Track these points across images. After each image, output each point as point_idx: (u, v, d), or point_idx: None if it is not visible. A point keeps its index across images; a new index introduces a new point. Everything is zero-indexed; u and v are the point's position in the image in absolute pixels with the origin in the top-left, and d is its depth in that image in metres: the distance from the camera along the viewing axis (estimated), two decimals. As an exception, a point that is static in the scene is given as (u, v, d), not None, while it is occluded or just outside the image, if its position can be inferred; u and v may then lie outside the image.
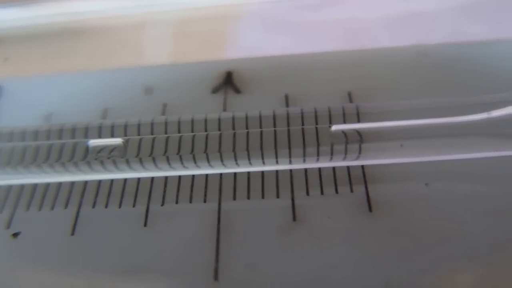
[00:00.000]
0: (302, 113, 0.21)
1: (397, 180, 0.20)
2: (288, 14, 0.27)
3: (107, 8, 0.26)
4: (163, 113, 0.23)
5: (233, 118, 0.21)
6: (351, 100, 0.23)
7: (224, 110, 0.23)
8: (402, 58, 0.24)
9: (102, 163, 0.20)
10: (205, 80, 0.24)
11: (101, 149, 0.21)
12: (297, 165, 0.21)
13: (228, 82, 0.24)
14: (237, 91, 0.24)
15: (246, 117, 0.21)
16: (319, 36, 0.26)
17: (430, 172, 0.20)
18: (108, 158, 0.20)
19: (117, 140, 0.21)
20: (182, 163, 0.20)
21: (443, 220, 0.19)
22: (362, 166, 0.21)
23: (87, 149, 0.20)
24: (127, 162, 0.20)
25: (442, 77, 0.24)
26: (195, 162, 0.20)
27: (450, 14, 0.26)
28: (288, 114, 0.21)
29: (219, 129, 0.21)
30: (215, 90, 0.24)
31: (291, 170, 0.21)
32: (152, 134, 0.21)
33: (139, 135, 0.21)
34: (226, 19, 0.27)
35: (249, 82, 0.24)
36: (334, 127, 0.20)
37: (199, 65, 0.25)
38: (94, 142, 0.21)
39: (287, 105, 0.23)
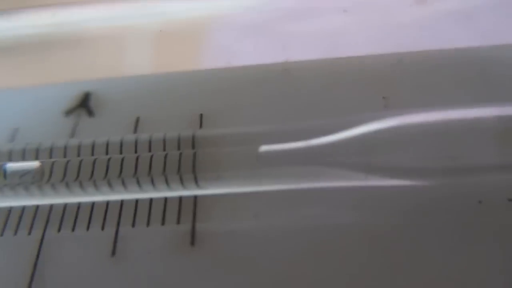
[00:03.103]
0: (136, 141, 0.20)
1: (227, 212, 0.19)
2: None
3: None
4: (13, 138, 0.23)
5: (65, 148, 0.20)
6: (201, 123, 0.22)
7: (73, 134, 0.22)
8: (264, 75, 0.23)
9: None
10: (63, 102, 0.24)
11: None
12: (131, 195, 0.20)
13: (84, 104, 0.23)
14: (91, 113, 0.23)
15: (79, 146, 0.20)
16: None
17: (260, 203, 0.19)
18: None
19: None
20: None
21: (267, 252, 0.18)
22: (195, 197, 0.20)
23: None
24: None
25: (304, 95, 0.23)
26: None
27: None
28: (121, 142, 0.20)
29: (51, 157, 0.20)
30: (69, 113, 0.23)
31: (122, 200, 0.20)
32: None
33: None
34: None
35: (106, 103, 0.23)
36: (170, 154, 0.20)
37: (58, 87, 0.24)
38: None
39: (135, 129, 0.22)
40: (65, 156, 0.20)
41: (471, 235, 0.18)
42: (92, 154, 0.20)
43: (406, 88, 0.22)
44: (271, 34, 0.24)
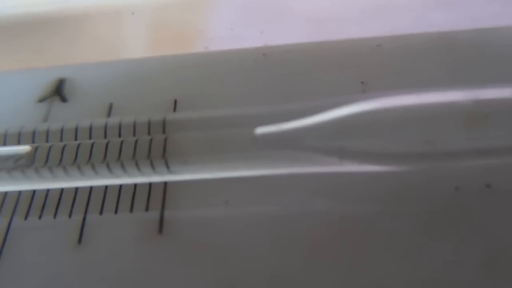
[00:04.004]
0: (106, 126, 0.20)
1: (197, 199, 0.19)
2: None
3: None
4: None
5: (33, 133, 0.20)
6: (175, 109, 0.21)
7: (46, 121, 0.22)
8: (241, 60, 0.23)
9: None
10: (37, 88, 0.23)
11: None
12: (100, 181, 0.19)
13: (58, 91, 0.23)
14: (64, 100, 0.23)
15: (48, 131, 0.20)
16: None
17: (231, 190, 0.19)
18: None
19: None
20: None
21: (237, 241, 0.18)
22: (165, 183, 0.19)
23: None
24: None
25: (282, 81, 0.22)
26: None
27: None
28: (91, 127, 0.20)
29: (19, 143, 0.20)
30: (42, 99, 0.23)
31: (91, 188, 0.20)
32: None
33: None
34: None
35: (80, 89, 0.23)
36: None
37: (32, 73, 0.24)
38: None
39: (109, 114, 0.22)
40: (33, 142, 0.20)
41: (447, 222, 0.17)
42: (61, 140, 0.19)
43: (385, 73, 0.21)
44: (249, 18, 0.23)
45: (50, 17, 0.25)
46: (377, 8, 0.23)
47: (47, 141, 0.20)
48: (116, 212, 0.19)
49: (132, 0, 0.24)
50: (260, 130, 0.18)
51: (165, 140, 0.19)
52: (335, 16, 0.23)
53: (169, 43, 0.23)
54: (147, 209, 0.19)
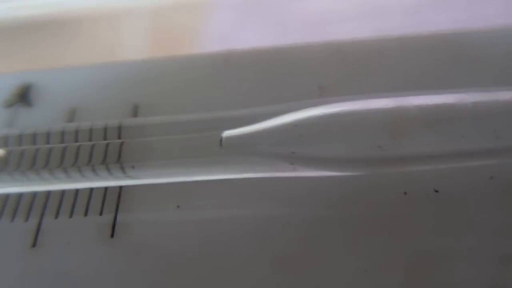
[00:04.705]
0: (63, 131, 0.20)
1: (150, 203, 0.19)
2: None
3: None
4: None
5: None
6: (136, 114, 0.22)
7: (11, 125, 0.22)
8: (203, 66, 0.23)
9: None
10: (2, 93, 0.23)
11: None
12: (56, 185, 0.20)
13: (23, 97, 0.23)
14: (29, 105, 0.23)
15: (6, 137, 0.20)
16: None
17: (183, 194, 0.19)
18: None
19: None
20: None
21: (188, 244, 0.18)
22: (120, 188, 0.20)
23: None
24: None
25: (243, 86, 0.22)
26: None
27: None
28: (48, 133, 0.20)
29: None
30: (8, 105, 0.23)
31: (49, 192, 0.20)
32: None
33: None
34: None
35: (46, 94, 0.23)
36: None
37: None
38: None
39: (71, 119, 0.22)
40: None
41: (395, 227, 0.18)
42: (20, 145, 0.20)
43: (344, 77, 0.21)
44: (212, 24, 0.24)
45: (17, 22, 0.25)
46: (339, 14, 0.23)
47: (6, 146, 0.20)
48: (71, 216, 0.19)
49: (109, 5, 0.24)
50: (227, 134, 0.18)
51: (121, 145, 0.19)
52: (332, 17, 0.23)
53: (164, 45, 0.24)
54: (101, 213, 0.19)
